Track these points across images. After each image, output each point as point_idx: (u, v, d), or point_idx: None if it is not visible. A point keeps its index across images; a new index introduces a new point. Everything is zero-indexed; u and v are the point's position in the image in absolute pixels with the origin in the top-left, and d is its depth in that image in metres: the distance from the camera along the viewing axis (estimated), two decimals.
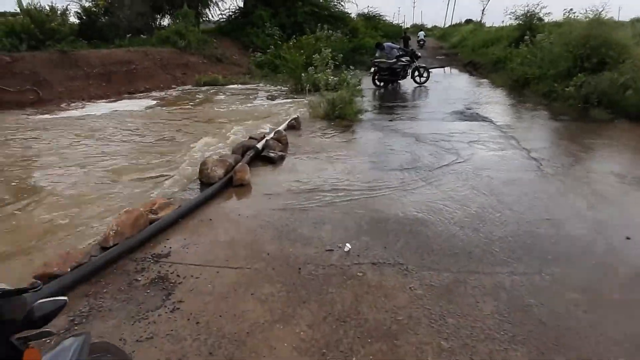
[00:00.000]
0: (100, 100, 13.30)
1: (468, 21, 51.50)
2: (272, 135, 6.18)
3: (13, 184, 5.67)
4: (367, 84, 13.88)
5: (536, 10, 18.10)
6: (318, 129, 7.88)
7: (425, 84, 14.40)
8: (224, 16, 28.04)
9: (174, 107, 12.02)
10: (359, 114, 8.87)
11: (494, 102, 11.17)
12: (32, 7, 15.53)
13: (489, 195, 4.47)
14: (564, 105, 9.81)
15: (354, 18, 30.26)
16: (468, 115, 9.30)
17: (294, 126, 7.59)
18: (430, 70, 15.05)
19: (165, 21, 24.91)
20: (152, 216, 3.41)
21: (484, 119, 8.77)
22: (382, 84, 14.01)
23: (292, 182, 4.75)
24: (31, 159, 6.84)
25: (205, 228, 3.61)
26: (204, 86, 16.46)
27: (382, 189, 4.64)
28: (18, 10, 15.93)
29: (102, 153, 6.97)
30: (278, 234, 3.54)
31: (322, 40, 18.75)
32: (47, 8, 16.25)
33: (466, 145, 6.54)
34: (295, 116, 8.21)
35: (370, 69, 14.49)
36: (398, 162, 5.72)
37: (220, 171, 4.41)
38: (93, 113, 10.89)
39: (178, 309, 2.60)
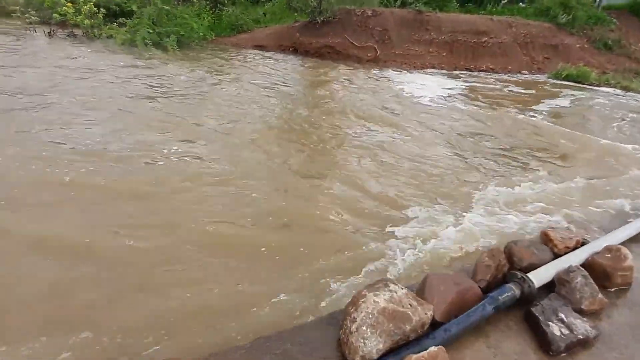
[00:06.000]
0: (431, 71, 11.77)
1: None
2: (591, 250, 2.40)
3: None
4: None
5: None
6: None
7: None
8: None
9: (496, 104, 8.84)
10: None
11: None
12: None
13: None
14: None
15: None
16: None
17: None
18: None
19: None
20: None
21: None
22: None
23: None
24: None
25: None
26: (565, 80, 11.85)
27: None
28: None
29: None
30: None
31: None
32: None
33: None
34: None
35: None
36: None
37: (375, 342, 1.55)
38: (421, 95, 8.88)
39: None
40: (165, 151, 4.24)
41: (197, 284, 2.41)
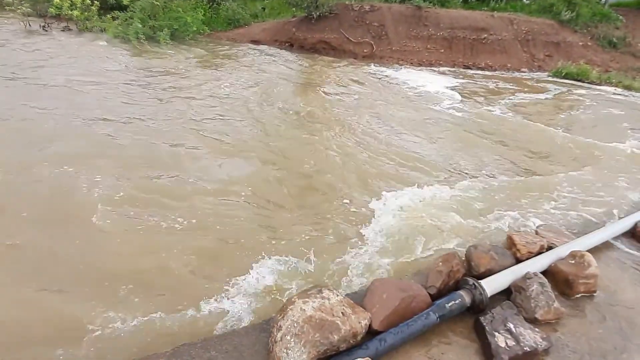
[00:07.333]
0: (425, 67, 11.60)
1: None
2: (556, 255, 2.29)
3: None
4: None
5: None
6: None
7: None
8: None
9: (479, 103, 8.67)
10: None
11: None
12: None
13: None
14: None
15: None
16: None
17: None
18: None
19: None
20: None
21: None
22: None
23: None
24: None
25: None
26: (564, 79, 11.61)
27: None
28: None
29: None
30: None
31: None
32: None
33: None
34: None
35: None
36: None
37: (299, 352, 1.46)
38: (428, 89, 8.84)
39: None
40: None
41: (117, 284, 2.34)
